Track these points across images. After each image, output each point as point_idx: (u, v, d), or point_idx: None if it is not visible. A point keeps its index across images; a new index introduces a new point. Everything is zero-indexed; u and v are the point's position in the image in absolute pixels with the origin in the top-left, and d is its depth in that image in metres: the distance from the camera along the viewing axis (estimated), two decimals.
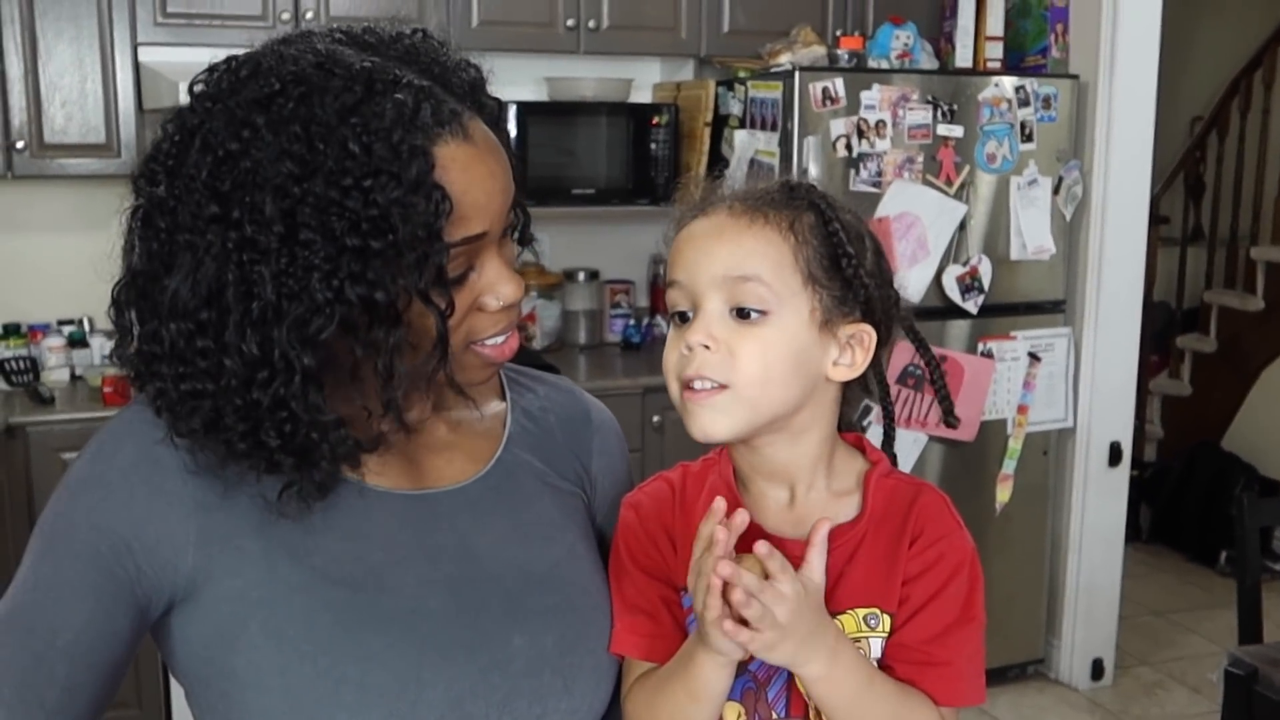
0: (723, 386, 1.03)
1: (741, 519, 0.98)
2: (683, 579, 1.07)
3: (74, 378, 3.30)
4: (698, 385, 1.03)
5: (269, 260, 0.88)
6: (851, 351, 1.07)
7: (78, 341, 3.34)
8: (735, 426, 1.04)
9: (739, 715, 1.08)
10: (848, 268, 1.05)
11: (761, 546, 0.95)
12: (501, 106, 1.04)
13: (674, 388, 1.07)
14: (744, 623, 0.95)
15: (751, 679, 1.07)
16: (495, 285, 0.99)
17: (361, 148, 0.88)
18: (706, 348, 1.02)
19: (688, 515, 1.12)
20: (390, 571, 1.00)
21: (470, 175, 0.94)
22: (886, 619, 1.06)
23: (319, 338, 0.90)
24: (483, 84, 1.03)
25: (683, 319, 1.06)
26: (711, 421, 1.04)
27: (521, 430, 1.15)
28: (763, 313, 1.02)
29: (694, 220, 1.08)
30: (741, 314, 1.03)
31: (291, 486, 0.96)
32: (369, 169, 0.88)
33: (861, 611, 1.06)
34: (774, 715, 1.07)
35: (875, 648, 1.06)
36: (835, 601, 1.06)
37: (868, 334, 1.07)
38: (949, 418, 1.19)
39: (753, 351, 1.02)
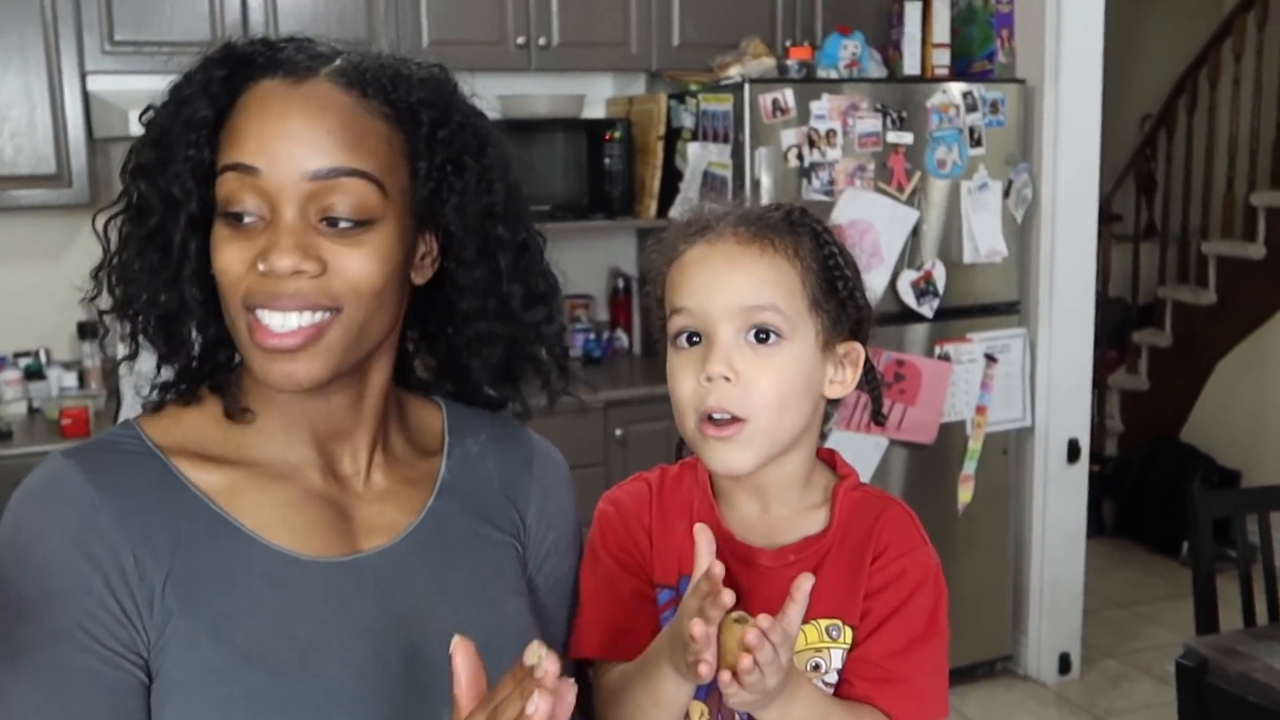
0: (738, 420, 1.05)
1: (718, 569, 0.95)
2: (659, 576, 1.10)
3: (31, 411, 3.26)
4: (717, 416, 1.05)
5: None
6: (844, 369, 1.11)
7: (34, 374, 3.31)
8: (756, 459, 1.07)
9: (702, 714, 1.10)
10: (843, 290, 1.08)
11: (764, 620, 0.92)
12: (414, 111, 1.04)
13: (690, 422, 1.07)
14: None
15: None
16: (266, 248, 0.95)
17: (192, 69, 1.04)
18: (727, 379, 1.04)
19: (664, 515, 1.14)
20: (313, 650, 0.97)
21: (264, 109, 0.97)
22: (848, 631, 1.08)
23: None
24: (405, 82, 1.04)
25: (689, 341, 1.08)
26: (736, 456, 1.06)
27: (455, 478, 1.12)
28: (779, 338, 1.05)
29: (695, 246, 1.09)
30: (760, 337, 1.05)
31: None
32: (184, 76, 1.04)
33: (824, 622, 1.08)
34: (737, 716, 1.09)
35: (836, 658, 1.09)
36: None
37: (857, 350, 1.11)
38: (878, 416, 1.20)
39: (770, 381, 1.05)
